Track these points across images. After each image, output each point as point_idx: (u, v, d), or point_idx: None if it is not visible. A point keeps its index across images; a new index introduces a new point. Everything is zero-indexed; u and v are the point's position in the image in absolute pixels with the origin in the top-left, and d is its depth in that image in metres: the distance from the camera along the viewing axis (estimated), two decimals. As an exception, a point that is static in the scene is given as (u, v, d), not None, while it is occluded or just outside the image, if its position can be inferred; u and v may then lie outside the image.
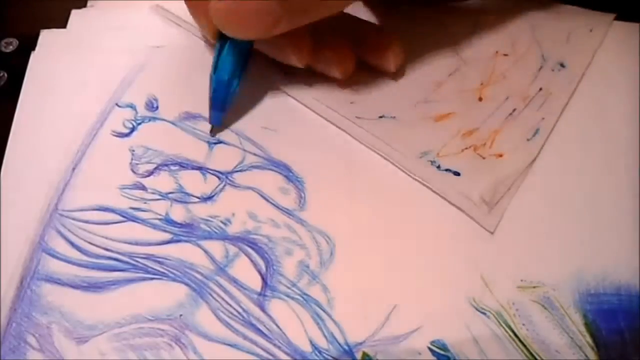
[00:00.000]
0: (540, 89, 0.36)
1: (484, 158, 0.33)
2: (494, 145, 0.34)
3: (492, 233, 0.31)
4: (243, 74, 0.34)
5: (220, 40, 0.33)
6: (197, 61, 0.38)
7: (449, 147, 0.34)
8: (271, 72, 0.37)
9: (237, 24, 0.31)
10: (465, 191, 0.32)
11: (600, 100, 0.36)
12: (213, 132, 0.35)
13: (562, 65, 0.37)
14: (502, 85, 0.36)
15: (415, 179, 0.33)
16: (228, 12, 0.30)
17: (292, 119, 0.36)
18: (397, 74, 0.36)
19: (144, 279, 0.31)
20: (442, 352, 0.29)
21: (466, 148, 0.33)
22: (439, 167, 0.33)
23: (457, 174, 0.33)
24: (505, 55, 0.38)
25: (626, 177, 0.33)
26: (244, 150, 0.35)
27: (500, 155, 0.33)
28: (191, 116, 0.36)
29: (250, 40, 0.33)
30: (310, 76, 0.36)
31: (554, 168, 0.34)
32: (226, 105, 0.35)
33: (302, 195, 0.33)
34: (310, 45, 0.34)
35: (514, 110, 0.35)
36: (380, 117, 0.35)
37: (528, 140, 0.34)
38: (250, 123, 0.36)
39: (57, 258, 0.31)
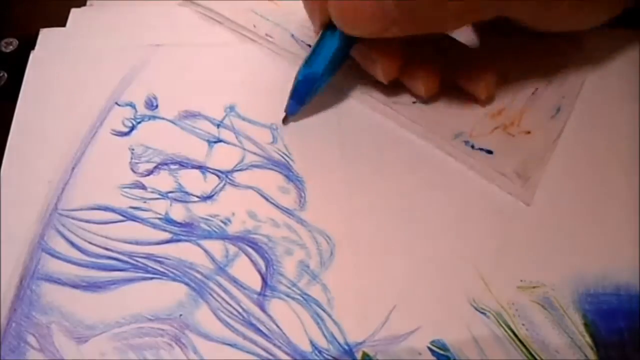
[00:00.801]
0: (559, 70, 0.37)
1: (513, 136, 0.35)
2: (522, 124, 0.35)
3: (528, 205, 0.33)
4: (333, 74, 0.34)
5: (323, 35, 0.33)
6: (197, 60, 0.38)
7: (480, 128, 0.35)
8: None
9: (353, 20, 0.31)
10: (499, 168, 0.33)
11: (600, 102, 0.36)
12: (286, 121, 0.35)
13: None
14: (523, 68, 0.37)
15: (447, 157, 0.34)
16: (347, 7, 0.30)
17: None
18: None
19: (144, 279, 0.31)
20: (442, 352, 0.29)
21: (496, 128, 0.35)
22: (472, 146, 0.34)
23: (489, 152, 0.34)
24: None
25: (626, 178, 0.33)
26: (244, 149, 0.35)
27: (528, 133, 0.35)
28: (191, 115, 0.36)
29: (354, 40, 0.33)
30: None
31: (554, 169, 0.34)
32: (308, 99, 0.35)
33: (302, 194, 0.33)
34: (400, 63, 0.34)
35: (536, 90, 0.36)
36: (414, 102, 0.36)
37: (552, 117, 0.35)
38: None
39: (57, 258, 0.31)
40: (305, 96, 0.34)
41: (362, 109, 0.36)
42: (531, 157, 0.34)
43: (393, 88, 0.36)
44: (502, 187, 0.33)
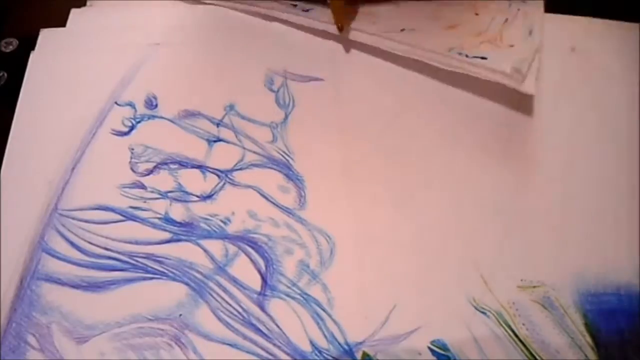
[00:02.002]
0: (518, 9, 0.39)
1: (499, 47, 0.37)
2: (504, 40, 0.37)
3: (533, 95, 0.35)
4: None
5: None
6: (197, 59, 0.38)
7: (469, 43, 0.37)
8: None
9: None
10: (497, 67, 0.35)
11: (600, 100, 0.36)
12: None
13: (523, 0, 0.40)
14: (489, 8, 0.40)
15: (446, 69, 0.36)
16: None
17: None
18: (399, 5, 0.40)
19: (144, 279, 0.31)
20: (442, 352, 0.29)
21: (482, 42, 0.37)
22: (467, 55, 0.36)
23: (484, 58, 0.36)
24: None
25: (626, 178, 0.33)
26: (244, 148, 0.35)
27: (512, 46, 0.37)
28: (190, 114, 0.36)
29: None
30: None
31: (554, 170, 0.34)
32: None
33: (302, 194, 0.33)
34: None
35: (506, 20, 0.39)
36: (402, 30, 0.38)
37: (529, 35, 0.38)
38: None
39: (57, 258, 0.31)
40: None
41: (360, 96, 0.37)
42: (522, 59, 0.36)
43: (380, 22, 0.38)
44: (504, 82, 0.35)
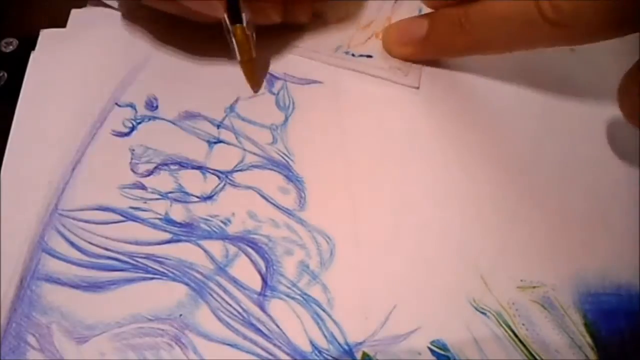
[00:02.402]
0: None
1: None
2: None
3: (417, 88, 0.37)
4: None
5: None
6: (197, 60, 0.38)
7: (355, 39, 0.39)
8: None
9: None
10: (380, 65, 0.38)
11: (599, 100, 0.36)
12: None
13: None
14: None
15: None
16: None
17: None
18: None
19: (144, 279, 0.31)
20: (442, 352, 0.29)
21: (369, 37, 0.39)
22: (353, 55, 0.38)
23: (369, 56, 0.38)
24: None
25: (626, 177, 0.33)
26: (244, 149, 0.35)
27: None
28: (191, 115, 0.36)
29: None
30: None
31: (554, 170, 0.34)
32: None
33: (303, 195, 0.33)
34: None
35: (396, 0, 0.41)
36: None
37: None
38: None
39: (57, 258, 0.31)
40: None
41: (360, 97, 0.37)
42: None
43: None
44: (388, 78, 0.37)
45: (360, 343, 0.29)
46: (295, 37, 0.39)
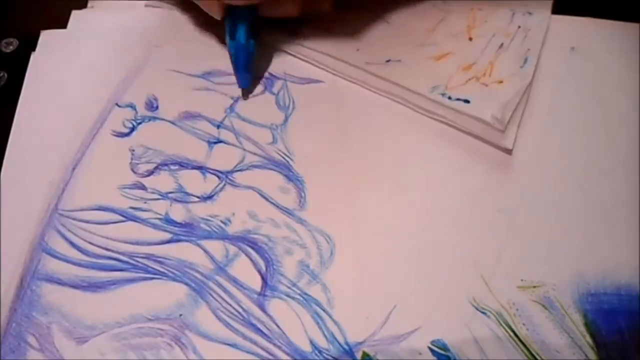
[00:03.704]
0: (519, 26, 0.39)
1: (487, 85, 0.36)
2: (493, 74, 0.36)
3: (510, 152, 0.34)
4: (256, 37, 0.36)
5: (230, 12, 0.35)
6: (197, 60, 0.38)
7: (455, 81, 0.36)
8: (280, 36, 0.39)
9: None
10: (478, 114, 0.34)
11: (600, 100, 0.36)
12: (245, 95, 0.37)
13: (529, 13, 0.40)
14: (486, 27, 0.39)
15: (429, 116, 0.36)
16: None
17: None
18: (391, 22, 0.39)
19: (144, 279, 0.31)
20: (442, 352, 0.29)
21: (469, 79, 0.36)
22: (450, 98, 0.35)
23: (467, 101, 0.35)
24: (480, 9, 0.40)
25: (626, 177, 0.33)
26: (244, 149, 0.35)
27: (501, 82, 0.36)
28: (191, 115, 0.36)
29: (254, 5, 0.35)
30: (316, 34, 0.38)
31: (553, 170, 0.34)
32: (249, 66, 0.36)
33: (303, 194, 0.33)
34: None
35: (502, 44, 0.38)
36: (388, 61, 0.37)
37: (521, 67, 0.37)
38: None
39: (57, 258, 0.31)
40: (247, 64, 0.36)
41: (360, 98, 0.37)
42: (507, 103, 0.35)
43: (364, 50, 0.38)
44: (483, 135, 0.34)
45: (361, 343, 0.29)
46: (394, 73, 0.37)
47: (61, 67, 0.37)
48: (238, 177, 0.34)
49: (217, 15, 0.35)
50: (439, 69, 0.37)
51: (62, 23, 0.39)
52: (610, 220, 0.32)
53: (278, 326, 0.29)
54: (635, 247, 0.31)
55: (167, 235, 0.32)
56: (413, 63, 0.37)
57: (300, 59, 0.38)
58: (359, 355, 0.29)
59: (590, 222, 0.32)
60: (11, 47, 0.39)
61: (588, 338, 0.29)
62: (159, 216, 0.32)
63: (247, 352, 0.29)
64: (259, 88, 0.37)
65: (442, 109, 0.35)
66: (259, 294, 0.30)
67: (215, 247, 0.32)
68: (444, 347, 0.29)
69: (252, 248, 0.32)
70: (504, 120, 0.34)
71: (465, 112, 0.35)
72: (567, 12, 0.39)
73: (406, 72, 0.37)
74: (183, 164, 0.34)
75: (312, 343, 0.29)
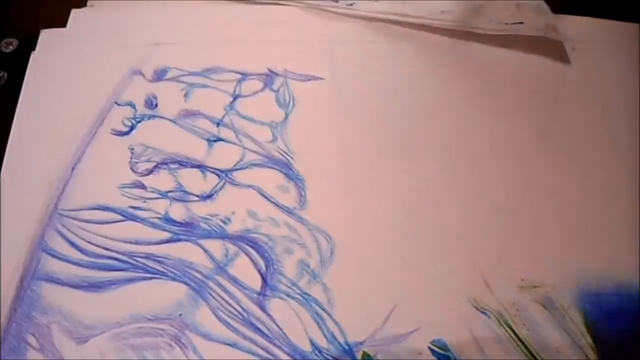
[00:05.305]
0: None
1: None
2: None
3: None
4: None
5: None
6: (197, 58, 0.38)
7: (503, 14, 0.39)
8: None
9: None
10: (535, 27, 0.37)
11: (601, 100, 0.36)
12: None
13: None
14: None
15: None
16: None
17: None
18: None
19: (144, 279, 0.31)
20: (442, 352, 0.29)
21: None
22: (506, 23, 0.39)
23: (521, 23, 0.38)
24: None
25: (626, 177, 0.33)
26: (244, 147, 0.35)
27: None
28: (190, 113, 0.36)
29: None
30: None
31: (553, 170, 0.34)
32: None
33: (303, 193, 0.33)
34: None
35: None
36: (442, 12, 0.40)
37: None
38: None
39: (57, 258, 0.31)
40: None
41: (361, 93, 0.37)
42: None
43: None
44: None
45: (361, 343, 0.29)
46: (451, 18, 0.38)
47: (61, 67, 0.37)
48: (238, 175, 0.34)
49: None
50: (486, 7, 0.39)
51: (62, 22, 0.39)
52: (610, 220, 0.32)
53: (278, 326, 0.29)
54: (636, 247, 0.31)
55: (167, 235, 0.32)
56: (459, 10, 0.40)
57: None
58: (359, 355, 0.29)
59: (591, 223, 0.32)
60: (11, 47, 0.38)
61: (588, 338, 0.29)
62: (158, 215, 0.32)
63: (247, 352, 0.29)
64: (259, 85, 0.37)
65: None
66: (259, 293, 0.30)
67: (215, 247, 0.31)
68: (444, 347, 0.29)
69: (252, 247, 0.31)
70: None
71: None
72: (567, 12, 0.39)
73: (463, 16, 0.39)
74: (183, 163, 0.34)
75: (312, 343, 0.29)
